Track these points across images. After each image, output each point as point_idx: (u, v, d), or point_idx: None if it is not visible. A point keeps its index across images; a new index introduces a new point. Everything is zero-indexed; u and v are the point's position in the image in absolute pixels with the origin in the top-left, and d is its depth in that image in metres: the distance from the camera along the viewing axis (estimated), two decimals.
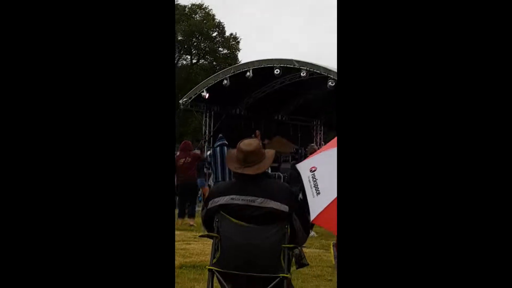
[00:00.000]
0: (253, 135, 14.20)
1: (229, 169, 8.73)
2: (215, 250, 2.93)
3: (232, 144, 9.92)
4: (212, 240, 2.95)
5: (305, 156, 11.55)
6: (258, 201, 2.81)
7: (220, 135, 9.54)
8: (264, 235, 2.86)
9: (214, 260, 2.92)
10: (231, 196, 2.84)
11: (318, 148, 6.14)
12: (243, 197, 2.82)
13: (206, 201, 3.00)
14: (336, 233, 2.85)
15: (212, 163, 8.89)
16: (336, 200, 2.69)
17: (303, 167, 3.10)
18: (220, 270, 2.88)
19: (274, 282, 2.80)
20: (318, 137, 18.47)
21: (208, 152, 9.98)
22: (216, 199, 2.89)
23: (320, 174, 2.90)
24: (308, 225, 2.98)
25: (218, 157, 8.83)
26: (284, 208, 2.85)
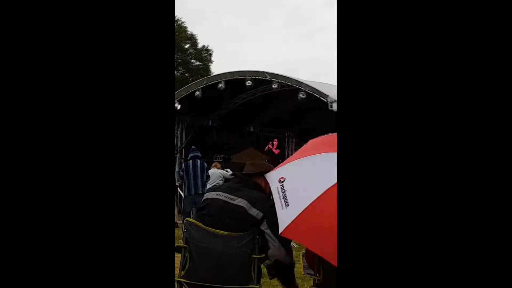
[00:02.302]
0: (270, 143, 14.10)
1: (201, 181, 8.66)
2: (184, 261, 2.90)
3: (204, 155, 9.87)
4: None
5: None
6: (237, 201, 2.99)
7: (193, 147, 9.41)
8: (236, 244, 2.85)
9: (183, 272, 2.89)
10: (217, 192, 3.11)
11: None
12: (226, 195, 3.05)
13: None
14: (306, 245, 2.81)
15: (185, 176, 8.73)
16: (305, 212, 2.62)
17: (272, 177, 3.03)
18: (189, 282, 2.85)
19: None
20: (290, 149, 18.55)
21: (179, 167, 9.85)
22: (207, 194, 3.24)
23: (289, 185, 2.83)
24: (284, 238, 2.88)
25: (191, 170, 8.68)
26: (258, 215, 2.90)
